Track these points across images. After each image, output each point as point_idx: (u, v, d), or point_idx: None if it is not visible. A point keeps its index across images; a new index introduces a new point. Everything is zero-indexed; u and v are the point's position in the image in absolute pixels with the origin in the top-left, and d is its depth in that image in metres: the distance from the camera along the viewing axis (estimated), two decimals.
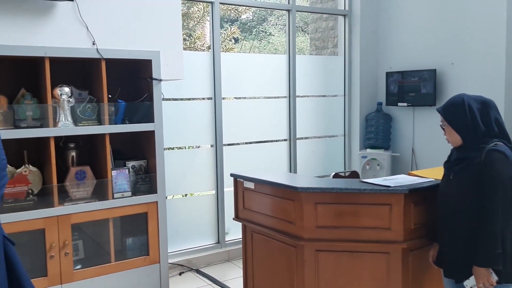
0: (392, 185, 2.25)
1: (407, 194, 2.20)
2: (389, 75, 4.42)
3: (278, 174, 2.92)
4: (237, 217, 2.85)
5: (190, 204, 3.99)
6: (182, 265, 3.75)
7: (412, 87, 4.23)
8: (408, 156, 4.38)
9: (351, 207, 2.30)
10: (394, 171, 4.35)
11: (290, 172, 4.34)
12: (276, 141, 4.40)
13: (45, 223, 2.52)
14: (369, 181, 2.39)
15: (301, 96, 4.44)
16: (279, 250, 2.56)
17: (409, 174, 2.56)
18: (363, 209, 2.28)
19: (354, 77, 4.63)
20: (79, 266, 2.68)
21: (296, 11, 4.36)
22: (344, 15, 4.66)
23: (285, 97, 4.34)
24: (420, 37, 4.21)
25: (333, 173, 3.66)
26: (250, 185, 2.70)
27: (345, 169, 4.70)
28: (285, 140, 4.39)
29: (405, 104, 4.29)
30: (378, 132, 4.48)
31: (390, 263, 2.28)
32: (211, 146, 3.97)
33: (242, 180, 2.76)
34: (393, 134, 4.54)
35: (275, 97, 4.31)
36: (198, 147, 4.19)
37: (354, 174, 3.72)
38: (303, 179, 2.59)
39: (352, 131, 4.70)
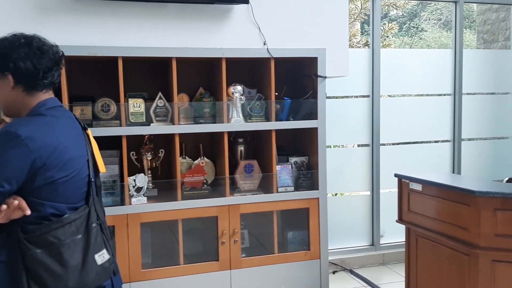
0: None
1: None
2: None
3: (448, 176, 2.74)
4: (400, 220, 2.74)
5: (343, 203, 3.96)
6: (335, 264, 3.74)
7: None
8: None
9: None
10: None
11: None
12: (438, 141, 4.14)
13: (218, 211, 2.72)
14: None
15: (468, 94, 4.10)
16: (449, 257, 2.40)
17: None
18: None
19: None
20: (244, 255, 2.84)
21: (464, 2, 4.04)
22: None
23: (449, 94, 4.05)
24: None
25: (507, 178, 3.31)
26: (417, 187, 2.57)
27: None
28: (447, 141, 4.10)
29: None
30: None
31: None
32: (367, 145, 3.88)
33: (408, 181, 2.64)
34: None
35: (437, 95, 4.05)
36: (354, 146, 4.14)
37: None
38: (480, 183, 2.38)
39: None
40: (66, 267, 1.51)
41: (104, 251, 1.63)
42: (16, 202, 1.46)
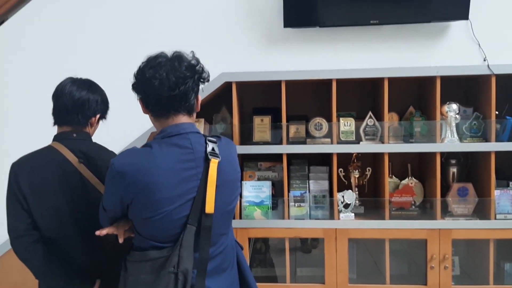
0: None
1: None
2: None
3: None
4: None
5: None
6: None
7: None
8: None
9: None
10: None
11: None
12: None
13: (427, 234, 2.63)
14: None
15: None
16: None
17: None
18: None
19: None
20: (453, 282, 2.68)
21: None
22: None
23: None
24: None
25: None
26: None
27: None
28: None
29: None
30: None
31: None
32: None
33: None
34: None
35: None
36: None
37: None
38: None
39: None
40: None
41: None
42: (120, 225, 1.61)
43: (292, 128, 2.83)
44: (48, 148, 1.83)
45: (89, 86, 1.89)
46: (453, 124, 2.65)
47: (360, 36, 2.70)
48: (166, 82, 1.50)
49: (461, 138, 2.69)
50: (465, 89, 2.95)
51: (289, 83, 2.75)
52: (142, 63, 1.58)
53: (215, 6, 2.77)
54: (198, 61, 1.61)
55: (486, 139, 2.67)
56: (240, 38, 2.77)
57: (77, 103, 1.83)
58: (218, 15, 2.77)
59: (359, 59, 2.70)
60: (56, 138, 1.86)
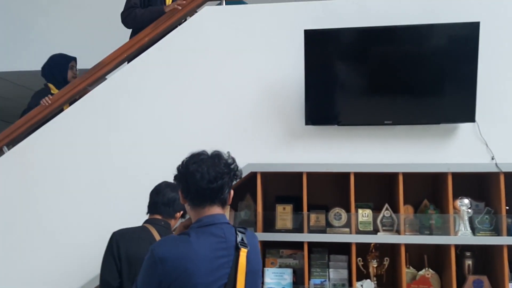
0: None
1: None
2: None
3: None
4: None
5: None
6: None
7: None
8: None
9: None
10: None
11: None
12: None
13: None
14: None
15: None
16: None
17: None
18: None
19: None
20: None
21: None
22: None
23: None
24: None
25: None
26: None
27: None
28: None
29: None
30: None
31: None
32: None
33: None
34: None
35: None
36: None
37: None
38: None
39: None
40: None
41: None
42: None
43: (313, 217, 3.01)
44: (143, 228, 2.41)
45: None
46: (466, 218, 2.80)
47: (375, 134, 2.95)
48: (206, 176, 1.72)
49: (474, 231, 2.83)
50: (477, 184, 3.12)
51: (310, 174, 2.97)
52: (186, 158, 1.80)
53: (244, 105, 3.09)
54: (234, 160, 1.84)
55: (498, 233, 2.79)
56: (266, 133, 3.05)
57: (170, 200, 2.45)
58: (247, 113, 3.08)
59: (375, 155, 2.94)
60: (148, 222, 2.46)
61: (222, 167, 1.76)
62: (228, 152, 1.86)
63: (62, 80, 3.70)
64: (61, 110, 3.37)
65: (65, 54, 3.82)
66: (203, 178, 1.72)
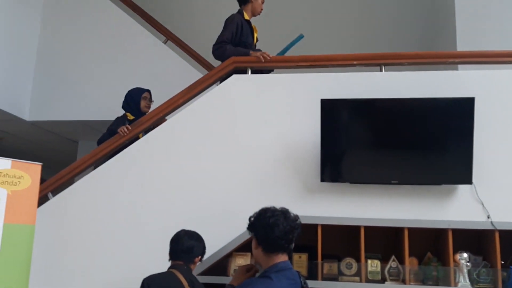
0: None
1: None
2: None
3: None
4: None
5: None
6: None
7: None
8: None
9: None
10: None
11: None
12: None
13: None
14: None
15: None
16: None
17: None
18: None
19: None
20: None
21: None
22: None
23: None
24: None
25: None
26: None
27: None
28: None
29: None
30: None
31: None
32: None
33: None
34: None
35: None
36: None
37: None
38: None
39: None
40: None
41: None
42: None
43: (326, 266, 3.32)
44: (170, 273, 2.72)
45: (196, 237, 2.80)
46: (465, 271, 3.10)
47: (383, 192, 3.31)
48: (283, 229, 2.06)
49: (472, 283, 3.12)
50: (475, 240, 3.44)
51: (324, 226, 3.31)
52: (258, 213, 2.15)
53: (267, 163, 3.48)
54: (297, 217, 2.20)
55: (494, 285, 3.09)
56: (286, 189, 3.43)
57: (189, 248, 2.78)
58: (269, 171, 3.47)
59: (383, 211, 3.29)
60: (173, 267, 2.76)
61: (295, 221, 2.12)
62: (289, 211, 2.21)
63: (135, 108, 4.19)
64: (102, 162, 3.78)
65: (140, 87, 4.32)
66: (282, 230, 2.06)
